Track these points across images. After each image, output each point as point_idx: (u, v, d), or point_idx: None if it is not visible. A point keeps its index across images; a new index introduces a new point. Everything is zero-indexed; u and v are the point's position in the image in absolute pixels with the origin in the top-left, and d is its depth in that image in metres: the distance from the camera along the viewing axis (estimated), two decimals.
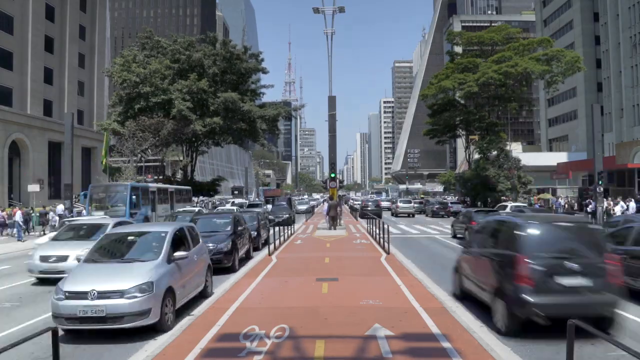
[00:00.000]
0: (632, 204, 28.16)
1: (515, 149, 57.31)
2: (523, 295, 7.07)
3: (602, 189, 25.84)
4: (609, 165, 43.21)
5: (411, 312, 8.59)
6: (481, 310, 8.57)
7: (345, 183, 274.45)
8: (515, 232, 7.75)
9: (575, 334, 4.58)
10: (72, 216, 23.37)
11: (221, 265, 13.13)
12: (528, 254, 7.28)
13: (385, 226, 17.70)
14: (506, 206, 29.30)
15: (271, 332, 7.32)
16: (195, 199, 43.95)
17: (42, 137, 42.43)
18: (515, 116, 75.86)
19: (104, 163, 36.18)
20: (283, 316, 8.27)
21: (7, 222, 27.61)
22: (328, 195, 31.42)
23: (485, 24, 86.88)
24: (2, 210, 29.32)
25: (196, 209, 27.77)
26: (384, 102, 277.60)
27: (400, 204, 45.42)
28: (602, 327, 6.68)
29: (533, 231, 7.61)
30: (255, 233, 18.68)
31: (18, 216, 25.26)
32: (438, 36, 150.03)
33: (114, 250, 8.84)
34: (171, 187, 34.34)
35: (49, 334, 4.83)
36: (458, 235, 22.49)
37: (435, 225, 31.87)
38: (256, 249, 18.18)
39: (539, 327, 7.11)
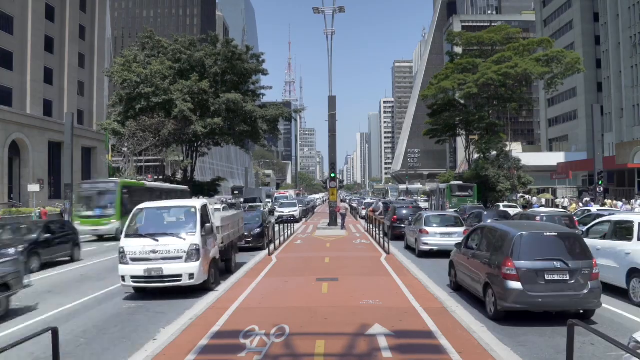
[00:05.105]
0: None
1: (515, 149, 57.25)
2: None
3: (602, 189, 25.83)
4: (609, 165, 43.19)
5: (411, 312, 8.59)
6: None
7: (345, 183, 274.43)
8: None
9: (576, 334, 4.58)
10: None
11: None
12: None
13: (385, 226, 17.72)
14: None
15: (271, 332, 7.32)
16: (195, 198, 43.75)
17: (42, 137, 42.38)
18: (515, 116, 75.71)
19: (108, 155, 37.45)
20: (283, 316, 8.27)
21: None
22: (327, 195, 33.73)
23: (485, 24, 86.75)
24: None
25: None
26: (384, 102, 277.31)
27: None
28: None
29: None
30: None
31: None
32: (438, 36, 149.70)
33: None
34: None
35: (49, 334, 4.81)
36: None
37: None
38: None
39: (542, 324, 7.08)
